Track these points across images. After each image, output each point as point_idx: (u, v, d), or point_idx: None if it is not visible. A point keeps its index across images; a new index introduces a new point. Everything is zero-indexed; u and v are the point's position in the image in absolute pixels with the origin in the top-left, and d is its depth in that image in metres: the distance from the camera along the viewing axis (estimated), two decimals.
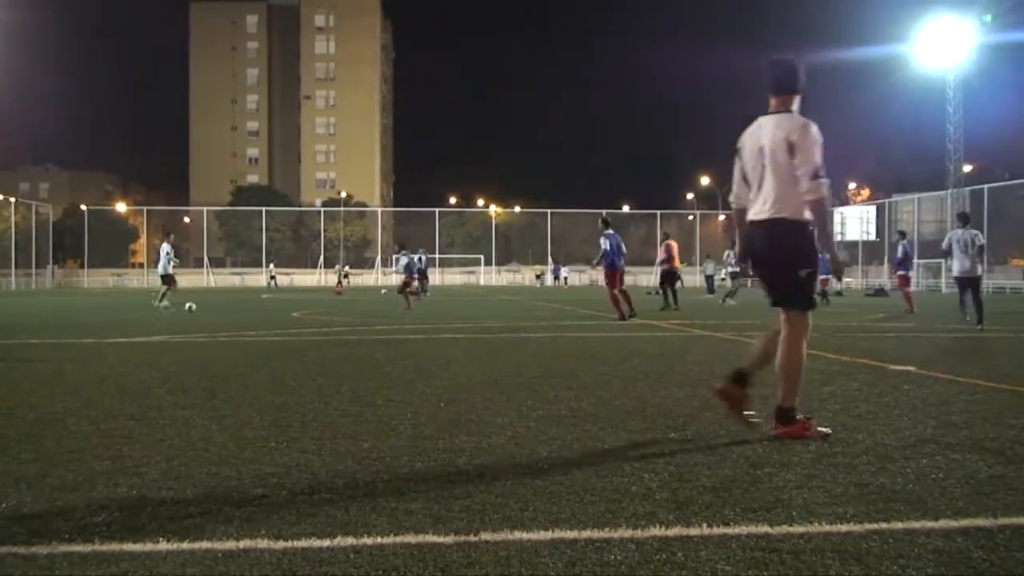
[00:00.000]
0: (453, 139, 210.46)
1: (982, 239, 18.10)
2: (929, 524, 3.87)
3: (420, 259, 39.95)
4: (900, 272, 26.20)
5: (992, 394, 7.86)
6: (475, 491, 4.39)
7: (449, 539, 3.64)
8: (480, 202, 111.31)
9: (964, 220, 18.32)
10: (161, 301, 24.84)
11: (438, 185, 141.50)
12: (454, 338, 14.85)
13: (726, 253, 34.72)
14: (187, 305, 24.78)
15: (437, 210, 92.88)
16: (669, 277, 26.78)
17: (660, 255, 27.58)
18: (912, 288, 26.12)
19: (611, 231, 20.70)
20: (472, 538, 3.65)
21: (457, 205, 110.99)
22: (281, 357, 11.49)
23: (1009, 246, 77.47)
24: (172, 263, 25.78)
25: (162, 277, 25.83)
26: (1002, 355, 12.26)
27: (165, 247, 25.99)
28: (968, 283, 18.05)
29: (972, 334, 16.03)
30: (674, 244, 27.27)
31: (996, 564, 3.38)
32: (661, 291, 26.92)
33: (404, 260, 31.18)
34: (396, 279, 35.87)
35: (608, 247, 20.59)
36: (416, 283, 35.93)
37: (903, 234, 29.09)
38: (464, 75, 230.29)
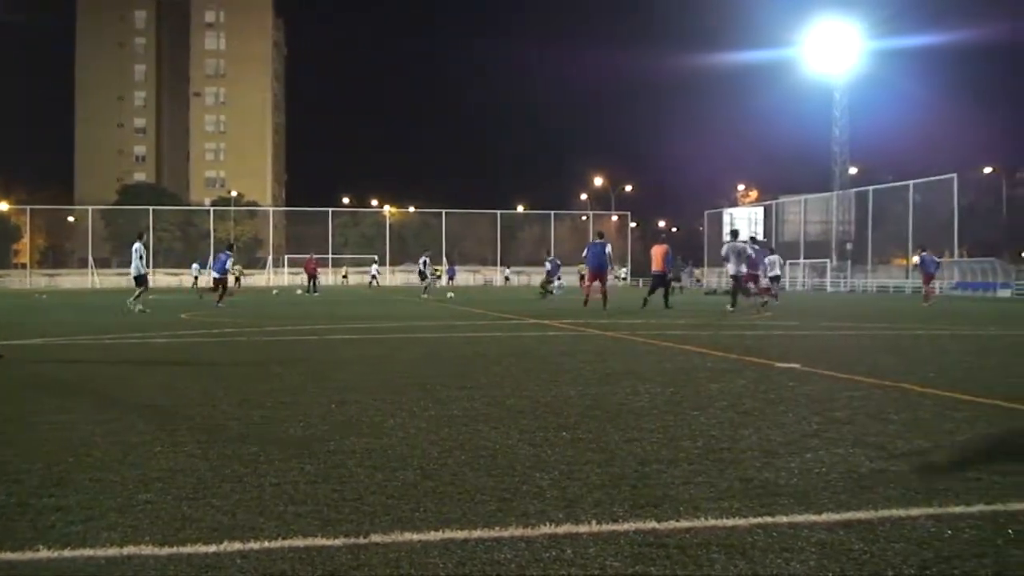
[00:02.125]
0: (347, 138, 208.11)
1: (750, 250, 24.43)
2: (812, 518, 3.97)
3: (425, 261, 41.08)
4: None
5: (874, 390, 8.09)
6: (365, 493, 4.36)
7: (338, 541, 3.61)
8: (374, 202, 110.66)
9: (735, 235, 25.11)
10: (136, 302, 24.33)
11: (332, 185, 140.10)
12: (347, 339, 14.73)
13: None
14: (133, 306, 24.26)
15: (330, 210, 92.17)
16: (653, 280, 27.52)
17: None
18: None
19: (595, 241, 25.22)
20: (362, 540, 3.63)
21: (351, 205, 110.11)
22: (168, 359, 11.26)
23: (892, 246, 79.88)
24: (145, 263, 25.41)
25: (135, 279, 25.21)
26: (884, 352, 12.62)
27: (138, 247, 25.28)
28: (738, 280, 24.24)
29: (853, 332, 16.52)
30: (656, 248, 27.55)
31: (876, 555, 3.47)
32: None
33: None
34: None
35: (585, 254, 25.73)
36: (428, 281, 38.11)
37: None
38: (359, 74, 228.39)
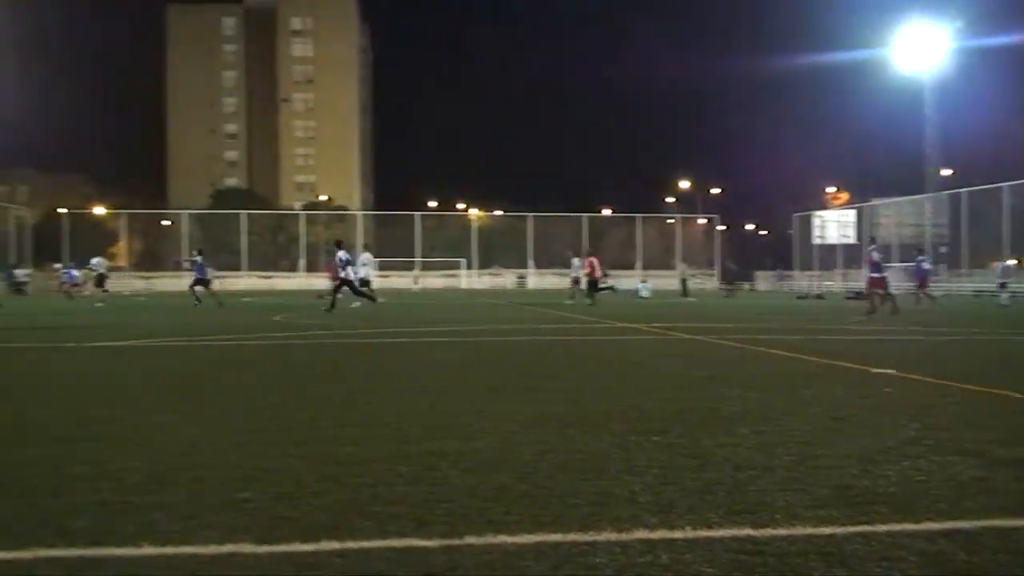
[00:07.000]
0: (434, 142, 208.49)
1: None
2: (912, 526, 3.88)
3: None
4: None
5: (975, 397, 7.88)
6: (459, 495, 4.36)
7: (433, 543, 3.62)
8: (460, 205, 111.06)
9: (339, 244, 29.72)
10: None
11: (420, 188, 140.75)
12: (434, 342, 14.74)
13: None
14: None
15: (418, 214, 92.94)
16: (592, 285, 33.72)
17: (586, 268, 34.77)
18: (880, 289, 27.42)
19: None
20: (456, 541, 3.63)
21: (437, 209, 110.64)
22: (246, 359, 11.39)
23: (987, 249, 77.93)
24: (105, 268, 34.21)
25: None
26: (985, 360, 12.30)
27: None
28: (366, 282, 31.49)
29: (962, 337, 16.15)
30: (594, 260, 34.24)
31: (979, 566, 3.38)
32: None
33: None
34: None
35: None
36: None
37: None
38: (445, 77, 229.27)
